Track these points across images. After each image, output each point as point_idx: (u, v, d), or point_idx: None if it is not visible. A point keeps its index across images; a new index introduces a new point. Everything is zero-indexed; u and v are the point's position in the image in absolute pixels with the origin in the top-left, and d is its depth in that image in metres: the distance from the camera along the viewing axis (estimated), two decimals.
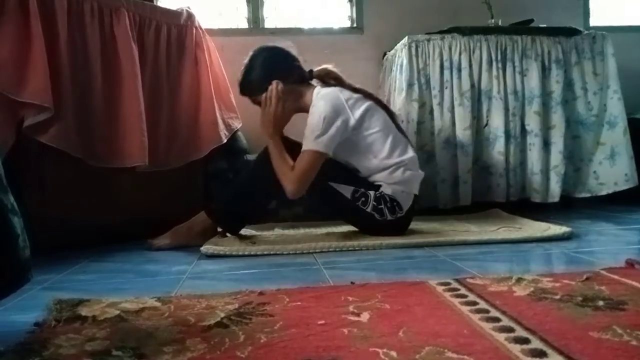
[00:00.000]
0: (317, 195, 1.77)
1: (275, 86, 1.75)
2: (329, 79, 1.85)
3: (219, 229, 1.83)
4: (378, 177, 1.76)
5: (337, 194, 1.72)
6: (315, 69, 1.87)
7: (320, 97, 1.74)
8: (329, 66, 1.87)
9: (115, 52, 1.85)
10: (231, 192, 1.83)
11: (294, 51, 1.86)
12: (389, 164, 1.74)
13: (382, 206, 1.72)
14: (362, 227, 1.80)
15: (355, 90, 1.80)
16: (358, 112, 1.73)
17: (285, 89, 1.76)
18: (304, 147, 1.70)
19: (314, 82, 1.86)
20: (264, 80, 1.76)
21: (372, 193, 1.72)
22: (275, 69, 1.79)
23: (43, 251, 1.53)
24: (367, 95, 1.80)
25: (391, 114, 1.84)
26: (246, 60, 1.83)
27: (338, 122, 1.69)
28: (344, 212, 1.80)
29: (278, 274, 1.35)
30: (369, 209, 1.72)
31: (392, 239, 1.67)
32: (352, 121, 1.72)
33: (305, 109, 1.81)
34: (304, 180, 1.68)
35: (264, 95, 1.76)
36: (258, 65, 1.80)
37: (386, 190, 1.73)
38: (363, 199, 1.72)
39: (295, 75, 1.82)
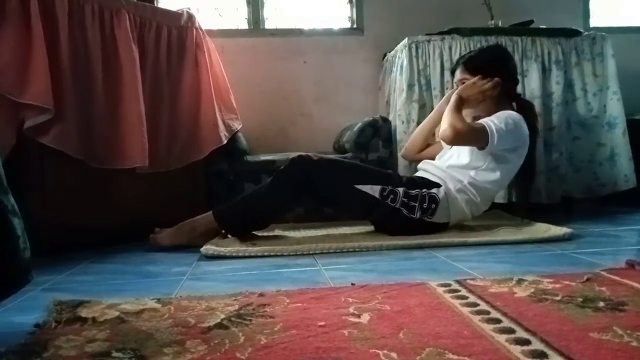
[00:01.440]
0: (347, 200, 1.81)
1: (497, 83, 1.87)
2: (528, 112, 1.95)
3: (223, 231, 1.83)
4: (449, 180, 1.82)
5: (366, 194, 1.75)
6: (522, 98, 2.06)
7: (519, 115, 1.85)
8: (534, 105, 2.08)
9: (115, 54, 1.85)
10: (242, 202, 1.82)
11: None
12: (469, 188, 1.81)
13: (416, 203, 1.75)
14: (381, 225, 1.82)
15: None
16: (519, 159, 1.86)
17: (498, 90, 1.88)
18: (484, 121, 1.79)
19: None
20: (490, 67, 1.89)
21: (400, 190, 1.76)
22: (508, 71, 1.94)
23: (43, 252, 1.54)
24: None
25: (529, 177, 2.00)
26: (483, 46, 2.04)
27: (513, 141, 1.80)
28: (371, 210, 1.80)
29: (278, 275, 1.35)
30: (397, 205, 1.74)
31: (392, 240, 1.67)
32: (516, 153, 1.83)
33: (484, 111, 1.90)
34: (461, 137, 1.78)
35: (481, 80, 1.87)
36: (496, 54, 1.99)
37: (440, 192, 1.78)
38: (392, 196, 1.75)
39: (510, 88, 1.96)
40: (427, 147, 2.10)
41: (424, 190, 1.78)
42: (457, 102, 1.84)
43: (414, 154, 2.13)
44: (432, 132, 2.09)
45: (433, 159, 2.00)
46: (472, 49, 2.31)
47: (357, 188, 1.75)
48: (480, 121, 1.82)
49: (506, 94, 1.94)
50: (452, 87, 2.31)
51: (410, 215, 1.75)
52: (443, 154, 1.98)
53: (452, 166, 1.86)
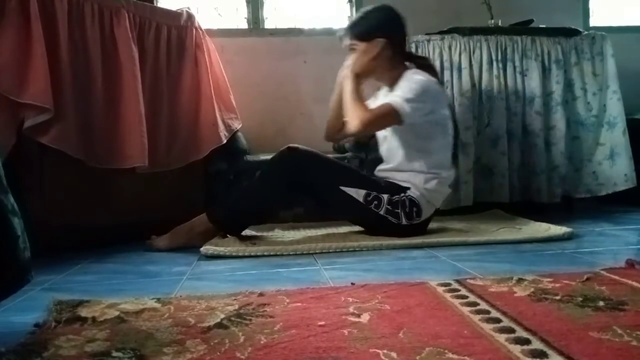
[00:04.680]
0: (329, 199, 1.80)
1: (381, 41, 1.78)
2: (426, 68, 1.87)
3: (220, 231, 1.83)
4: (413, 179, 1.79)
5: (350, 197, 1.73)
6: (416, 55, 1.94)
7: (421, 73, 1.78)
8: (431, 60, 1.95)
9: (115, 53, 1.85)
10: (234, 198, 1.82)
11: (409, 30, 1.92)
12: (431, 171, 1.78)
13: (399, 210, 1.73)
14: (372, 230, 1.80)
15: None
16: (445, 112, 1.80)
17: (387, 51, 1.80)
18: (389, 100, 1.73)
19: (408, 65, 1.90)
20: (374, 30, 1.80)
21: (385, 197, 1.73)
22: (391, 29, 1.84)
23: (43, 252, 1.53)
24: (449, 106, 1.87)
25: (456, 134, 1.91)
26: (366, 8, 1.90)
27: (429, 104, 1.74)
28: (357, 215, 1.81)
29: (278, 274, 1.35)
30: (382, 212, 1.72)
31: (392, 240, 1.67)
32: (438, 114, 1.77)
33: (385, 80, 1.88)
34: (371, 125, 1.73)
35: (364, 44, 1.80)
36: (379, 15, 1.86)
37: (413, 193, 1.76)
38: (375, 202, 1.73)
39: (401, 47, 1.87)
40: (345, 125, 1.92)
41: (401, 194, 1.76)
42: (354, 83, 1.77)
43: (335, 134, 2.03)
44: (341, 109, 1.92)
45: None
46: (471, 49, 2.32)
47: (341, 189, 1.73)
48: (385, 101, 1.76)
49: (399, 54, 1.86)
50: (452, 87, 2.32)
51: (397, 222, 1.74)
52: (384, 153, 1.93)
53: (405, 163, 1.82)
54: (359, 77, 1.79)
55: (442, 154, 1.82)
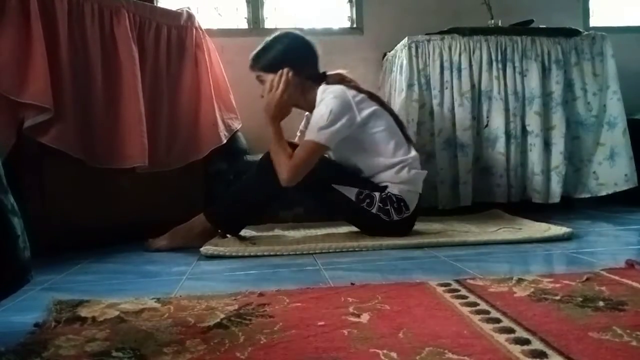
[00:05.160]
0: (321, 197, 1.79)
1: (286, 72, 1.74)
2: (338, 82, 1.82)
3: (219, 230, 1.83)
4: (384, 177, 1.76)
5: (341, 196, 1.72)
6: (329, 72, 1.86)
7: (329, 92, 1.74)
8: (343, 72, 1.87)
9: (115, 53, 1.85)
10: (231, 196, 1.82)
11: (318, 49, 1.84)
12: (393, 162, 1.75)
13: (389, 207, 1.73)
14: (366, 228, 1.80)
15: (360, 90, 1.79)
16: (365, 112, 1.74)
17: (294, 79, 1.75)
18: (306, 138, 1.70)
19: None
20: (278, 62, 1.75)
21: (377, 194, 1.73)
22: (294, 56, 1.78)
23: (43, 252, 1.53)
24: (372, 97, 1.80)
25: (395, 117, 1.85)
26: (269, 38, 1.81)
27: (343, 119, 1.69)
28: (349, 213, 1.80)
29: (278, 274, 1.35)
30: (374, 210, 1.72)
31: (392, 240, 1.67)
32: (358, 119, 1.72)
33: (305, 107, 1.83)
34: (299, 170, 1.68)
35: (270, 77, 1.75)
36: (279, 46, 1.78)
37: (393, 190, 1.74)
38: (368, 200, 1.72)
39: (309, 70, 1.81)
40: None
41: (387, 192, 1.74)
42: (274, 128, 1.72)
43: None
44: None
45: None
46: (471, 49, 2.32)
47: (334, 187, 1.73)
48: (304, 141, 1.71)
49: (309, 78, 1.80)
50: (452, 87, 2.32)
51: (389, 219, 1.73)
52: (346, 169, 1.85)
53: (367, 170, 1.79)
54: (276, 118, 1.74)
55: (393, 143, 1.76)
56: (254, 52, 1.82)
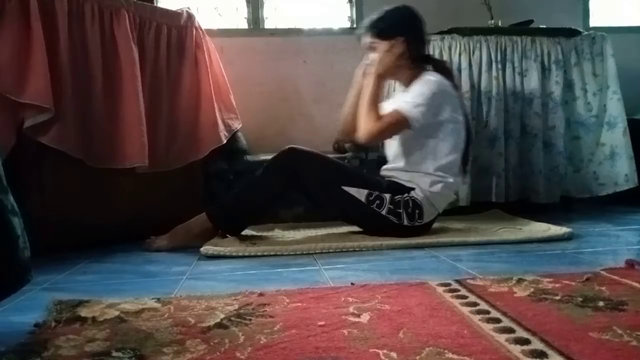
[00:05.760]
0: (332, 199, 1.79)
1: (404, 42, 1.80)
2: (443, 71, 1.88)
3: (220, 230, 1.83)
4: (418, 180, 1.78)
5: (351, 197, 1.73)
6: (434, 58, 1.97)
7: (434, 76, 1.79)
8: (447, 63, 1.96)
9: (115, 53, 1.85)
10: (234, 196, 1.82)
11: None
12: (437, 174, 1.78)
13: (401, 210, 1.73)
14: (374, 230, 1.79)
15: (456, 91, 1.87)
16: (452, 114, 1.78)
17: (406, 51, 1.81)
18: (398, 107, 1.74)
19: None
20: (396, 30, 1.81)
21: (388, 196, 1.73)
22: (412, 30, 1.85)
23: (43, 252, 1.53)
24: (461, 106, 1.87)
25: (469, 139, 1.90)
26: (388, 7, 1.89)
27: (437, 105, 1.74)
28: (357, 215, 1.80)
29: (278, 275, 1.35)
30: (384, 212, 1.72)
31: (392, 240, 1.67)
32: (445, 115, 1.76)
33: (401, 79, 1.89)
34: (381, 134, 1.77)
35: (385, 43, 1.81)
36: (401, 15, 1.87)
37: (417, 194, 1.75)
38: (378, 201, 1.73)
39: (419, 48, 1.88)
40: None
41: (405, 195, 1.76)
42: (376, 85, 1.78)
43: (349, 135, 1.98)
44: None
45: None
46: (470, 49, 2.32)
47: (343, 189, 1.73)
48: (394, 108, 1.76)
49: (419, 55, 1.87)
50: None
51: (398, 222, 1.73)
52: (390, 153, 1.93)
53: (412, 164, 1.82)
54: (382, 77, 1.82)
55: (451, 158, 1.80)
56: (371, 18, 1.89)
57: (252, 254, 1.59)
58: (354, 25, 2.98)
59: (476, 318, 0.89)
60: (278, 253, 1.60)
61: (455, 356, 0.73)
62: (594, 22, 3.08)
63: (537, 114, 2.32)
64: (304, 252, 1.60)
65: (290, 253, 1.60)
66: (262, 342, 0.82)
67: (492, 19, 2.60)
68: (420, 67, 1.86)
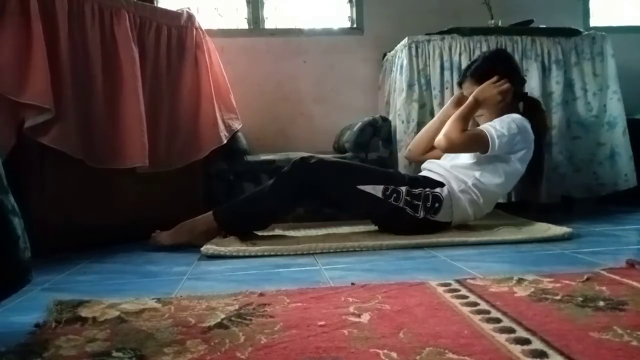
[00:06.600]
0: (351, 201, 1.81)
1: (510, 86, 1.88)
2: (535, 109, 2.00)
3: (222, 231, 1.82)
4: (452, 180, 1.82)
5: (369, 195, 1.74)
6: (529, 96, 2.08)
7: (524, 120, 1.85)
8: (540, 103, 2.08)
9: (115, 53, 1.85)
10: (244, 201, 1.83)
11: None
12: (473, 190, 1.81)
13: (420, 202, 1.75)
14: (387, 225, 1.82)
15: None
16: (522, 154, 1.84)
17: (510, 92, 1.89)
18: (484, 127, 1.82)
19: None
20: (500, 72, 1.89)
21: (403, 189, 1.75)
22: (515, 72, 1.98)
23: (43, 252, 1.54)
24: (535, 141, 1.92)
25: (541, 170, 2.04)
26: (488, 52, 2.07)
27: (513, 144, 1.80)
28: (372, 209, 1.80)
29: (278, 274, 1.35)
30: (400, 204, 1.74)
31: (392, 240, 1.67)
32: (516, 156, 1.83)
33: (493, 111, 1.92)
34: (460, 145, 1.82)
35: (496, 81, 1.87)
36: (505, 58, 2.00)
37: (443, 191, 1.78)
38: (395, 195, 1.75)
39: (517, 93, 1.97)
40: (432, 149, 2.03)
41: (427, 189, 1.78)
42: (471, 105, 1.85)
43: (418, 155, 2.10)
44: (437, 134, 2.01)
45: (439, 158, 1.99)
46: (471, 49, 2.32)
47: (359, 189, 1.74)
48: (481, 127, 1.82)
49: (514, 95, 1.94)
50: (452, 87, 2.32)
51: (414, 214, 1.75)
52: (448, 154, 1.97)
53: (456, 166, 1.87)
54: (479, 104, 1.87)
55: (493, 188, 1.83)
56: (471, 65, 2.01)
57: (252, 254, 1.59)
58: (354, 25, 2.99)
59: (476, 318, 0.89)
60: (278, 253, 1.60)
61: (455, 356, 0.73)
62: (594, 22, 3.09)
63: None
64: (305, 252, 1.60)
65: (291, 253, 1.60)
66: (262, 342, 0.82)
67: (492, 18, 2.60)
68: (513, 107, 1.94)
